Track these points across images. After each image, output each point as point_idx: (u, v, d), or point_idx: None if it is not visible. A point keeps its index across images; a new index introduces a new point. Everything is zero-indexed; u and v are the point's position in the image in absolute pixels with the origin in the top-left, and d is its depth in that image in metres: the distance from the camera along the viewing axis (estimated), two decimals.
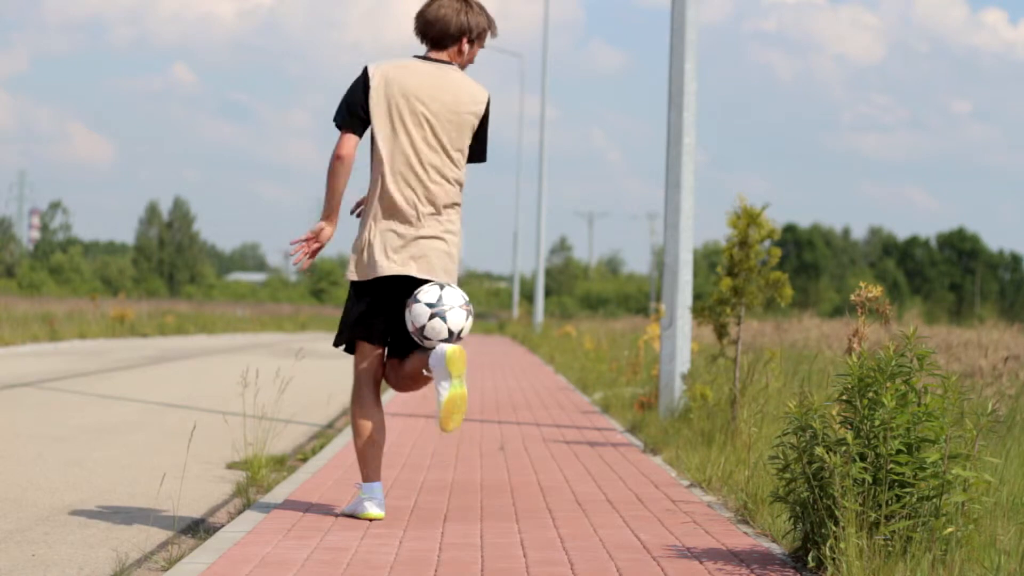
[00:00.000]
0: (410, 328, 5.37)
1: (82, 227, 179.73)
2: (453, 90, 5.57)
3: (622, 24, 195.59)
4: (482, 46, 5.69)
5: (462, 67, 5.67)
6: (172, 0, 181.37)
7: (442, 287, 5.39)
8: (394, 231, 5.49)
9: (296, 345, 25.92)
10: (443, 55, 5.63)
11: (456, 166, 5.56)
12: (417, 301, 5.35)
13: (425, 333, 5.34)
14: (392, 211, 5.50)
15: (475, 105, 5.58)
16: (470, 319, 5.42)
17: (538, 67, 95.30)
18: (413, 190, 5.49)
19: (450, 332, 5.34)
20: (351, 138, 5.50)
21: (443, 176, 5.53)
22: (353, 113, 5.50)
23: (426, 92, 5.53)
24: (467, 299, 5.44)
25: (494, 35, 5.71)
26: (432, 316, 5.33)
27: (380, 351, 5.61)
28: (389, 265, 5.48)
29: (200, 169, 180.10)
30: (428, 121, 5.51)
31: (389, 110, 5.49)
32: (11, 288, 70.53)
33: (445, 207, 5.54)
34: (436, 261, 5.52)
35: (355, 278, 5.57)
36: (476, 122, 5.59)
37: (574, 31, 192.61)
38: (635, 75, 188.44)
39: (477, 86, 5.63)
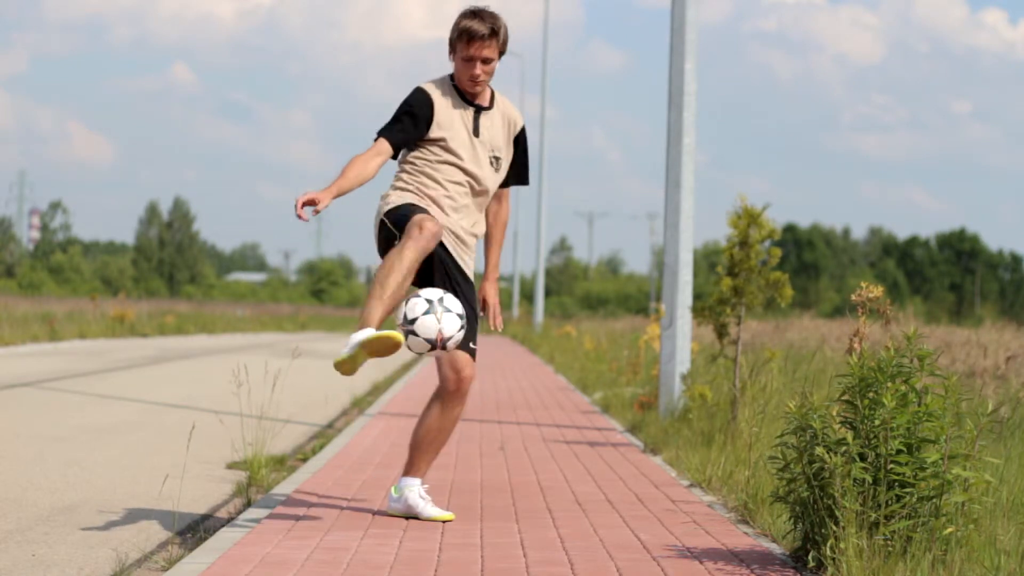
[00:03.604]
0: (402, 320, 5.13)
1: (82, 227, 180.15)
2: None
3: (622, 24, 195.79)
4: (465, 56, 5.49)
5: (455, 75, 5.61)
6: (172, 0, 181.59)
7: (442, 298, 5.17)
8: None
9: (299, 346, 25.88)
10: None
11: None
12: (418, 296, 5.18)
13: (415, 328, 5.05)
14: None
15: None
16: (460, 332, 5.13)
17: (538, 67, 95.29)
18: None
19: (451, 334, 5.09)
20: None
21: None
22: None
23: None
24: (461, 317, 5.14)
25: (458, 41, 5.50)
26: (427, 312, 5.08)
27: None
28: None
29: (200, 169, 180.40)
30: None
31: None
32: (11, 288, 70.54)
33: None
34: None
35: None
36: None
37: (574, 31, 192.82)
38: (635, 75, 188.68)
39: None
